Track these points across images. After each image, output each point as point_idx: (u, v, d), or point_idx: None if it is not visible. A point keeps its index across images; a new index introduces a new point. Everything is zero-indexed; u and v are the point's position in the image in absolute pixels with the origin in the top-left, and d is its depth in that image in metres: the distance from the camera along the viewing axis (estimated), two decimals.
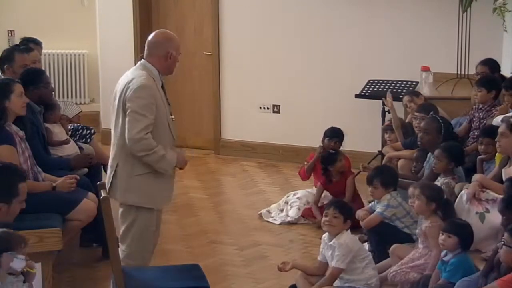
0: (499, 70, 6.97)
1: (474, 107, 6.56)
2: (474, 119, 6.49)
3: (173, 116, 4.99)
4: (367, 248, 5.87)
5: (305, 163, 7.25)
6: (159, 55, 4.91)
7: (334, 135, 7.10)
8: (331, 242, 5.02)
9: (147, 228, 4.91)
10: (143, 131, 4.68)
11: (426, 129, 6.08)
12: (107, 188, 4.75)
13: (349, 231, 5.06)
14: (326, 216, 5.05)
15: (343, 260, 4.94)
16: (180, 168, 4.98)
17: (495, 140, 5.36)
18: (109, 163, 4.93)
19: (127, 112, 4.73)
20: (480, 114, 6.44)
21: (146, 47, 4.97)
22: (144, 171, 4.80)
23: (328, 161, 6.93)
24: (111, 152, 4.92)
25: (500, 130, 5.31)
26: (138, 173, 4.80)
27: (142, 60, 4.97)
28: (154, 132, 4.75)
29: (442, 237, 4.77)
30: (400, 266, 5.10)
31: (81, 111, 7.09)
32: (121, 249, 4.87)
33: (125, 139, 4.72)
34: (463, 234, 4.78)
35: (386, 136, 6.94)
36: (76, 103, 10.43)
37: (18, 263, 3.89)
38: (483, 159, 5.73)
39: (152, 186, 4.84)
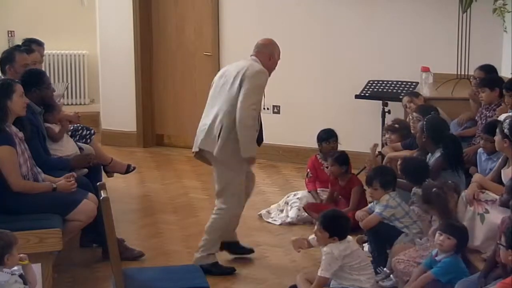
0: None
1: (482, 103, 6.57)
2: (481, 116, 6.50)
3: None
4: (367, 249, 5.89)
5: (307, 171, 7.24)
6: (265, 54, 5.88)
7: (330, 136, 7.09)
8: (321, 249, 5.04)
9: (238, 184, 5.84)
10: (254, 105, 5.69)
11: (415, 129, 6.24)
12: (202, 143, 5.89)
13: (337, 242, 4.97)
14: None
15: (328, 269, 4.91)
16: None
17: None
18: (211, 123, 5.81)
19: (243, 87, 5.69)
20: (488, 113, 6.46)
21: (255, 47, 5.93)
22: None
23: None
24: (211, 117, 5.81)
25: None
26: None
27: (253, 56, 5.89)
28: None
29: (441, 237, 4.78)
30: (409, 257, 5.07)
31: (68, 84, 7.17)
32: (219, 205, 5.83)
33: (236, 109, 5.68)
34: (462, 237, 4.82)
35: (386, 136, 6.93)
36: (76, 104, 10.45)
37: (4, 276, 3.97)
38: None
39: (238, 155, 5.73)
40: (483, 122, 6.40)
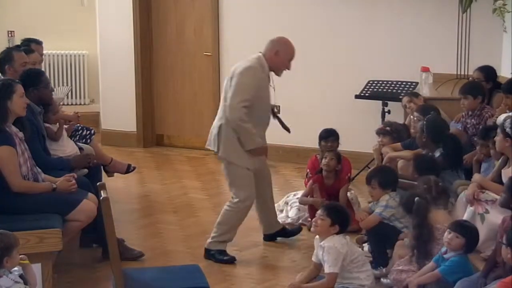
0: (496, 78, 6.92)
1: (463, 114, 6.58)
2: (468, 126, 6.51)
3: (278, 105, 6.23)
4: (367, 249, 5.89)
5: (307, 171, 7.24)
6: (271, 50, 5.93)
7: (329, 135, 7.09)
8: (321, 243, 5.02)
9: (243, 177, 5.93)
10: (241, 103, 5.65)
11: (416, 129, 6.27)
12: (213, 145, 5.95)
13: (339, 235, 4.99)
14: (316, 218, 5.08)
15: (335, 264, 4.91)
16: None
17: (492, 140, 5.39)
18: (214, 123, 5.96)
19: (232, 85, 5.73)
20: (473, 120, 6.46)
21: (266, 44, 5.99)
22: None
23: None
24: (217, 117, 5.95)
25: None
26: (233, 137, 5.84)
27: (260, 52, 5.93)
28: (253, 110, 5.75)
29: (449, 236, 4.76)
30: (409, 269, 5.02)
31: (70, 88, 7.19)
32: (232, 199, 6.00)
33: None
34: (471, 237, 4.79)
35: (379, 139, 6.92)
36: (76, 104, 10.44)
37: (6, 281, 3.98)
38: (477, 160, 5.81)
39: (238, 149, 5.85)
40: (472, 131, 6.41)
